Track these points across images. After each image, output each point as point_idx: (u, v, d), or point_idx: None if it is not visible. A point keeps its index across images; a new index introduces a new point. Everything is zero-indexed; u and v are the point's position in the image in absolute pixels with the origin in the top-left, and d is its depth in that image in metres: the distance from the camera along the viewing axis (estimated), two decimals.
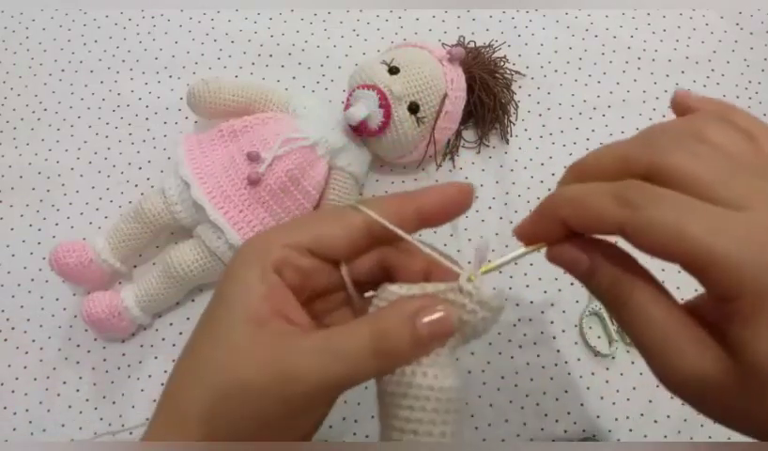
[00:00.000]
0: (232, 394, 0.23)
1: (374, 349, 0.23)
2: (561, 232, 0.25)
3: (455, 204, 0.26)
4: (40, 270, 0.49)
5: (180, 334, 0.48)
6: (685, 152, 0.22)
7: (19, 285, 0.49)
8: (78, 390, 0.46)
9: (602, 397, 0.47)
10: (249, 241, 0.26)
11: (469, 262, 0.25)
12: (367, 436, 0.46)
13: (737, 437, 0.23)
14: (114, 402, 0.46)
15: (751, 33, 0.57)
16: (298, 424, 0.25)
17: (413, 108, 0.46)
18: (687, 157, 0.22)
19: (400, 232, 0.25)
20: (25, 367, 0.47)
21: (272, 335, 0.24)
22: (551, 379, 0.47)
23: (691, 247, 0.20)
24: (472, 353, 0.47)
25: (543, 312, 0.48)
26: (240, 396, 0.23)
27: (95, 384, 0.47)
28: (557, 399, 0.46)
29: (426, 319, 0.23)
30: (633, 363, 0.47)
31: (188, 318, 0.48)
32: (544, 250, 0.26)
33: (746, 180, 0.22)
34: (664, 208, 0.21)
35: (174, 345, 0.48)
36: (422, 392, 0.23)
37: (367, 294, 0.28)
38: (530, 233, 0.26)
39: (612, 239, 0.24)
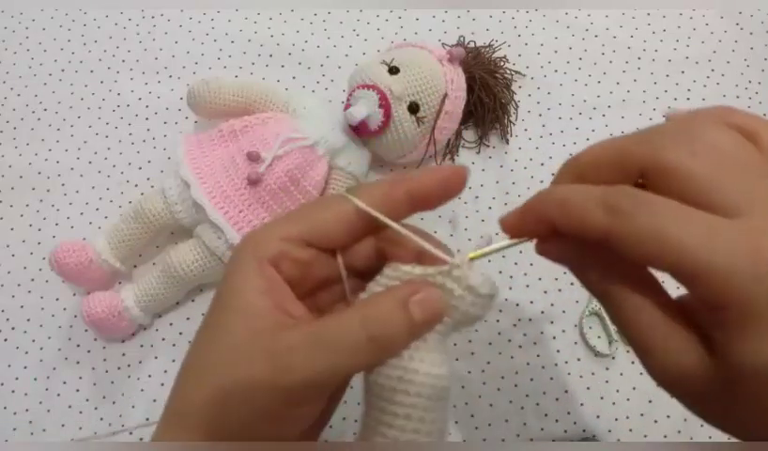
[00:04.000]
0: (233, 391, 0.23)
1: (367, 336, 0.23)
2: (547, 230, 0.24)
3: (449, 186, 0.25)
4: (40, 270, 0.49)
5: (180, 334, 0.48)
6: (683, 150, 0.22)
7: (19, 285, 0.49)
8: (78, 390, 0.47)
9: (602, 397, 0.47)
10: (245, 238, 0.26)
11: (459, 250, 0.25)
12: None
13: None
14: (114, 402, 0.46)
15: (751, 33, 0.57)
16: (298, 415, 0.25)
17: (413, 108, 0.46)
18: (684, 155, 0.22)
19: (386, 220, 0.25)
20: (25, 367, 0.47)
21: (271, 330, 0.24)
22: (551, 379, 0.47)
23: (677, 258, 0.20)
24: (472, 353, 0.47)
25: (543, 312, 0.48)
26: (241, 392, 0.23)
27: (95, 384, 0.47)
28: (557, 399, 0.46)
29: (417, 300, 0.23)
30: (633, 363, 0.47)
31: (188, 318, 0.48)
32: (532, 243, 0.26)
33: (744, 182, 0.21)
34: (651, 216, 0.21)
35: (174, 345, 0.48)
36: (418, 378, 0.23)
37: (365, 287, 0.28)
38: (516, 227, 0.25)
39: None
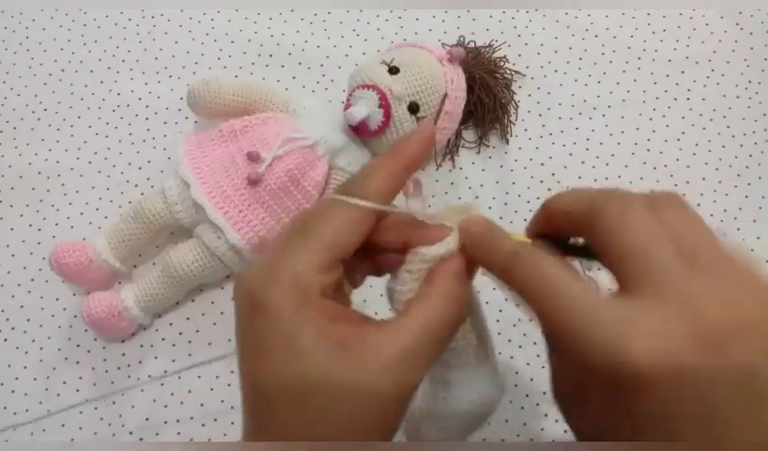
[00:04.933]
0: (346, 405, 0.24)
1: (453, 319, 0.26)
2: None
3: (429, 147, 0.28)
4: (40, 270, 0.49)
5: (180, 334, 0.48)
6: (615, 220, 0.23)
7: (19, 285, 0.49)
8: (78, 390, 0.46)
9: None
10: (278, 284, 0.24)
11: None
12: None
13: None
14: (114, 402, 0.46)
15: (751, 33, 0.57)
16: (403, 415, 0.26)
17: (413, 108, 0.46)
18: (615, 224, 0.23)
19: (394, 209, 0.27)
20: (25, 367, 0.47)
21: (364, 342, 0.24)
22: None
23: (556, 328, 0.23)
24: None
25: None
26: (367, 406, 0.24)
27: (95, 384, 0.47)
28: None
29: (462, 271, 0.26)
30: None
31: (188, 318, 0.48)
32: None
33: (663, 264, 0.22)
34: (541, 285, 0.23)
35: (174, 345, 0.48)
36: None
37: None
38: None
39: None
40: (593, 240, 0.24)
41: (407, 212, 0.28)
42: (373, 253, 0.29)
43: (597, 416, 0.23)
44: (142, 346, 0.48)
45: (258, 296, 0.24)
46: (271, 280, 0.24)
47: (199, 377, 0.46)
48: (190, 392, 0.46)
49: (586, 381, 0.23)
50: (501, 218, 0.51)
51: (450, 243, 0.27)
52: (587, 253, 0.26)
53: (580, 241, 0.27)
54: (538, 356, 0.47)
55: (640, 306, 0.21)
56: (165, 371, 0.47)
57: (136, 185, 0.52)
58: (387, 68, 0.47)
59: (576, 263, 0.27)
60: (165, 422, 0.46)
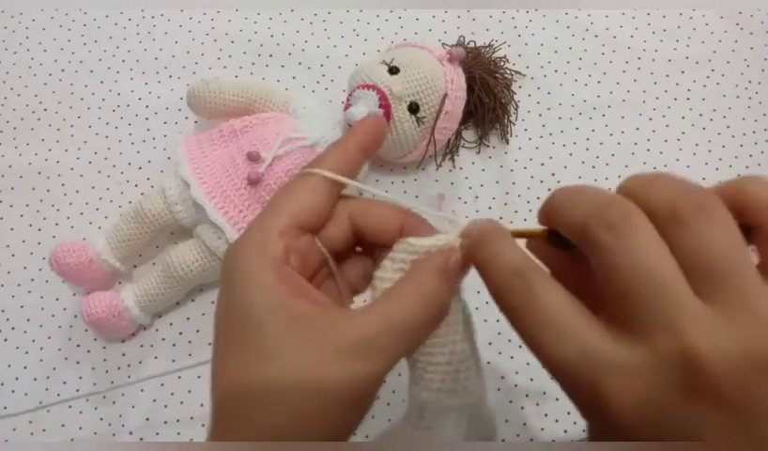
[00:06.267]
0: (296, 389, 0.23)
1: (428, 316, 0.25)
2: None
3: (381, 132, 0.29)
4: (40, 270, 0.49)
5: (180, 334, 0.48)
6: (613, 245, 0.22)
7: (19, 285, 0.49)
8: (78, 390, 0.46)
9: None
10: (242, 245, 0.25)
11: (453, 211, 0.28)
12: (367, 436, 0.45)
13: None
14: (114, 402, 0.46)
15: (751, 33, 0.57)
16: (368, 405, 0.25)
17: (413, 108, 0.46)
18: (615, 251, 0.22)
19: (358, 184, 0.27)
20: (25, 367, 0.47)
21: (320, 323, 0.23)
22: (551, 379, 0.47)
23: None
24: None
25: None
26: (303, 389, 0.23)
27: (95, 384, 0.47)
28: (557, 399, 0.46)
29: (452, 266, 0.25)
30: None
31: (188, 318, 0.48)
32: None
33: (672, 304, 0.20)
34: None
35: (174, 345, 0.48)
36: (458, 326, 0.26)
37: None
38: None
39: None
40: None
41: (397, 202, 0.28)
42: (372, 250, 0.29)
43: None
44: (142, 346, 0.48)
45: (228, 262, 0.26)
46: (239, 244, 0.26)
47: (199, 377, 0.46)
48: (190, 392, 0.46)
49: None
50: (501, 218, 0.51)
51: (441, 239, 0.26)
52: None
53: None
54: None
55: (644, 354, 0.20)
56: (165, 371, 0.47)
57: (136, 185, 0.52)
58: (387, 68, 0.47)
59: None
60: (165, 422, 0.46)
